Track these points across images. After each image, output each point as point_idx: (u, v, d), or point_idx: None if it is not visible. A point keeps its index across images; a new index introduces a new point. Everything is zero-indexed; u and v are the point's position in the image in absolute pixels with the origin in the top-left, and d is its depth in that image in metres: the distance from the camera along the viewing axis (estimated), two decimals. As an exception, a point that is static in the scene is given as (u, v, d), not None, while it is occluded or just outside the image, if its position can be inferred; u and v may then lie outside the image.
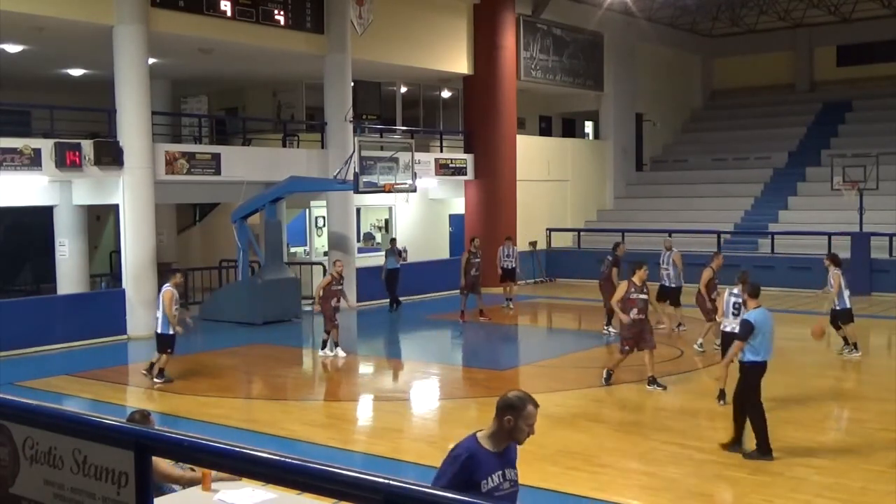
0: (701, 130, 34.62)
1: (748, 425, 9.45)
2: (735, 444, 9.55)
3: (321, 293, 15.42)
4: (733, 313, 11.40)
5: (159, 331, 13.35)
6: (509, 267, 20.97)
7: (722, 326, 11.72)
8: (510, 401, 4.56)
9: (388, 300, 20.99)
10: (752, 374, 9.54)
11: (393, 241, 22.14)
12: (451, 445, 4.62)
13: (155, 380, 13.38)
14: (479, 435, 4.57)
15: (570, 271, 26.90)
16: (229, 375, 14.87)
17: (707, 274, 15.17)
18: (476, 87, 25.02)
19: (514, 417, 4.51)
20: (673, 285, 17.41)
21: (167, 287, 13.41)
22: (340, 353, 15.47)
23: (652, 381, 12.57)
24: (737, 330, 11.01)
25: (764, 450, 9.32)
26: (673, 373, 13.66)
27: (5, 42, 18.25)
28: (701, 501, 8.34)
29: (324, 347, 15.61)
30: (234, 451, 2.50)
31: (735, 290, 11.54)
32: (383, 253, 22.00)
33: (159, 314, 13.34)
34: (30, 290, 22.62)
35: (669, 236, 25.49)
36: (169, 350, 13.35)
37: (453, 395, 13.58)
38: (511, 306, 20.99)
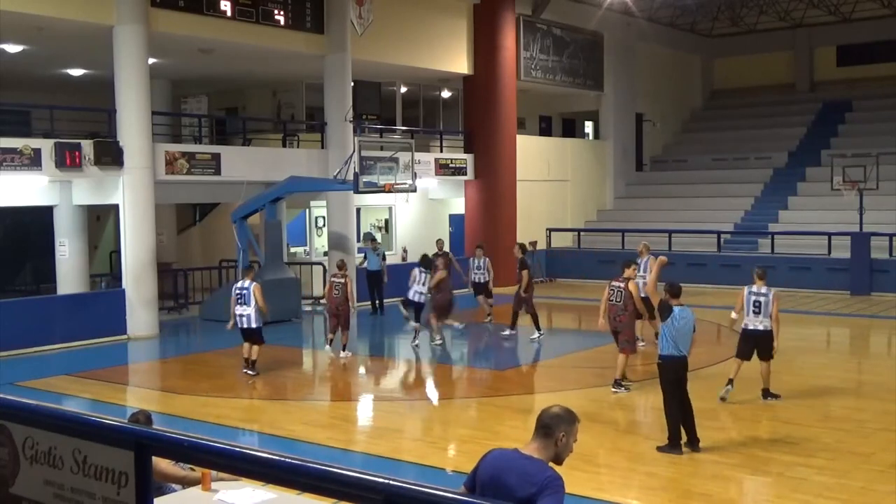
0: (701, 130, 34.63)
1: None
2: (692, 443, 9.64)
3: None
4: (753, 311, 11.52)
5: (253, 325, 13.81)
6: (480, 280, 18.72)
7: (743, 325, 11.65)
8: (562, 415, 4.19)
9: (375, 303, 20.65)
10: (664, 369, 9.79)
11: (373, 239, 21.20)
12: (552, 469, 4.09)
13: (248, 371, 13.91)
14: (541, 457, 4.14)
15: (570, 271, 26.89)
16: (229, 375, 14.86)
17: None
18: (476, 87, 25.02)
19: (566, 434, 4.16)
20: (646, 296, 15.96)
21: (255, 283, 13.91)
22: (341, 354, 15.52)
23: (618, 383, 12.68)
24: (759, 328, 11.47)
25: (673, 444, 9.57)
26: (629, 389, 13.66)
27: (5, 42, 18.24)
28: (701, 501, 8.34)
29: (344, 349, 15.48)
30: (234, 451, 2.50)
31: (753, 288, 11.64)
32: (363, 254, 21.28)
33: (250, 310, 13.75)
34: (30, 290, 22.61)
35: (670, 237, 25.64)
36: (262, 342, 13.99)
37: (453, 395, 13.58)
38: (490, 320, 18.68)
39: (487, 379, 14.39)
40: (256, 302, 13.75)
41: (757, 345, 11.67)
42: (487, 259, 18.61)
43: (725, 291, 23.11)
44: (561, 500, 4.03)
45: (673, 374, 9.73)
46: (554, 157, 28.44)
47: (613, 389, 12.48)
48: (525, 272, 16.86)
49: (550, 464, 4.17)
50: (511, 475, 4.11)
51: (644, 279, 15.06)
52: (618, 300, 12.76)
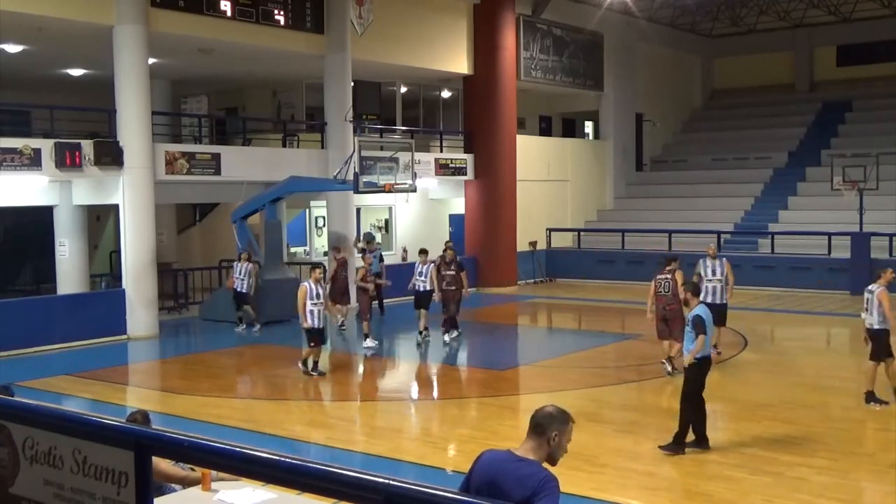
0: (701, 130, 34.62)
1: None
2: (700, 443, 9.64)
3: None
4: (865, 308, 11.61)
5: (302, 325, 13.96)
6: (421, 289, 16.70)
7: (868, 324, 11.56)
8: (555, 415, 4.20)
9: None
10: (699, 370, 9.69)
11: (370, 240, 20.16)
12: (547, 471, 4.14)
13: (311, 372, 13.93)
14: (539, 458, 4.16)
15: (570, 271, 26.91)
16: (229, 375, 14.88)
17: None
18: (476, 87, 25.02)
19: (559, 433, 4.18)
20: (721, 301, 14.43)
21: (303, 283, 14.03)
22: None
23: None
24: (869, 326, 11.46)
25: (678, 442, 9.53)
26: (673, 372, 13.66)
27: (5, 42, 18.25)
28: (701, 501, 8.34)
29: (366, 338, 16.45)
30: (234, 451, 2.50)
31: (871, 287, 11.65)
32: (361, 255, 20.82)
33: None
34: (30, 290, 22.61)
35: (670, 237, 25.64)
36: (311, 344, 13.80)
37: (453, 395, 13.57)
38: (422, 339, 16.76)
39: (487, 379, 14.39)
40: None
41: (871, 342, 11.53)
42: (432, 265, 16.66)
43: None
44: (556, 502, 4.03)
45: (691, 374, 9.67)
46: (554, 157, 28.43)
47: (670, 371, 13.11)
48: (463, 274, 16.74)
49: (544, 464, 4.18)
50: (506, 478, 4.12)
51: (721, 282, 14.57)
52: (666, 290, 13.26)
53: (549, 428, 4.17)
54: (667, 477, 9.03)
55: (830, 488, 8.46)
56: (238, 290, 18.38)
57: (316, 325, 13.73)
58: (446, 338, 16.75)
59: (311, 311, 13.68)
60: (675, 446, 9.53)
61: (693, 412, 9.58)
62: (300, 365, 14.11)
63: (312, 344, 13.85)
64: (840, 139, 30.20)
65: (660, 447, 9.60)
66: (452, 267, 16.60)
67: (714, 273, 14.52)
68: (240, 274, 18.32)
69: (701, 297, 14.15)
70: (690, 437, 9.70)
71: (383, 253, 21.27)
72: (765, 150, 30.97)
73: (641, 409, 12.00)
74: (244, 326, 18.53)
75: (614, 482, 8.83)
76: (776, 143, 31.24)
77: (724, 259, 14.91)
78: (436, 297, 16.55)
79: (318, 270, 14.17)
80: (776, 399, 11.99)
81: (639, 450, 9.88)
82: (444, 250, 17.27)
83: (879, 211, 23.58)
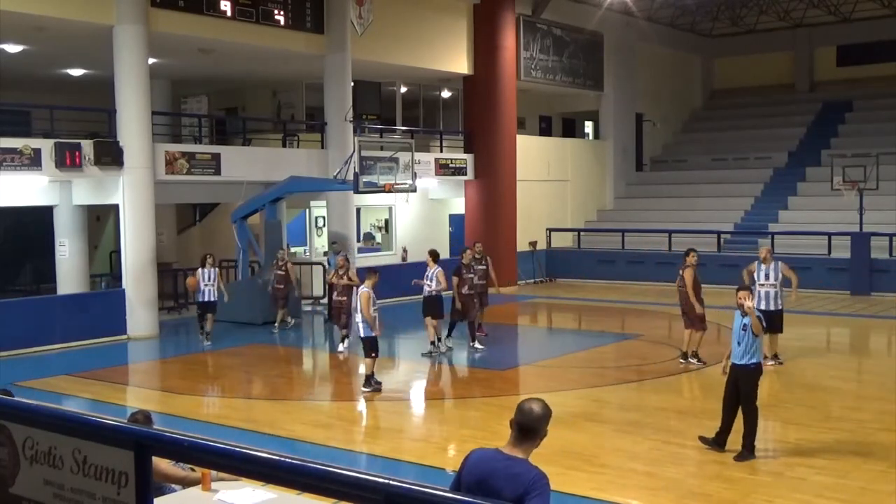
0: (701, 130, 34.62)
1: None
2: (716, 442, 9.59)
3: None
4: None
5: (361, 334, 12.81)
6: (425, 293, 15.42)
7: None
8: (543, 415, 4.23)
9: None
10: (759, 374, 9.54)
11: (334, 242, 19.94)
12: (537, 469, 4.17)
13: (363, 388, 12.80)
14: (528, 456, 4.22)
15: (570, 271, 26.92)
16: (229, 375, 14.87)
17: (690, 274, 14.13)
18: (476, 87, 25.02)
19: (545, 428, 4.26)
20: (776, 307, 13.88)
21: (363, 289, 12.80)
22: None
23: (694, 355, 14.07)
24: None
25: (752, 449, 9.42)
26: (673, 373, 13.68)
27: (5, 42, 18.25)
28: (701, 501, 8.34)
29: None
30: (234, 451, 2.50)
31: None
32: (326, 258, 20.64)
33: (358, 318, 12.77)
34: (30, 290, 22.62)
35: (670, 237, 25.63)
36: (373, 354, 12.75)
37: (453, 395, 13.57)
38: (437, 349, 15.57)
39: (487, 379, 14.38)
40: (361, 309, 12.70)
41: None
42: (439, 269, 15.40)
43: (725, 291, 23.10)
44: (547, 500, 4.08)
45: (755, 381, 9.54)
46: (554, 157, 28.43)
47: (682, 362, 14.01)
48: (472, 276, 16.18)
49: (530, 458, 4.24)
50: (497, 478, 4.16)
51: (774, 287, 13.97)
52: (681, 286, 14.23)
53: (542, 430, 4.25)
54: (667, 477, 9.02)
55: (830, 488, 8.46)
56: (206, 300, 16.85)
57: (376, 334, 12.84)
58: (442, 346, 15.81)
59: (374, 318, 12.68)
60: (748, 453, 9.31)
61: (755, 416, 9.41)
62: (370, 381, 12.80)
63: (374, 354, 12.79)
64: (840, 139, 30.20)
65: (735, 459, 9.28)
66: (472, 270, 16.02)
67: (767, 277, 13.89)
68: (209, 280, 16.85)
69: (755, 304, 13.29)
70: (710, 434, 9.65)
71: (346, 255, 20.55)
72: (765, 150, 30.97)
73: (641, 409, 11.99)
74: (207, 340, 16.97)
75: (614, 482, 8.83)
76: (776, 143, 31.24)
77: (780, 262, 14.21)
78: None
79: (377, 275, 13.02)
80: (776, 399, 11.99)
81: (639, 450, 9.88)
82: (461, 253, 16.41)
83: (879, 211, 23.58)
